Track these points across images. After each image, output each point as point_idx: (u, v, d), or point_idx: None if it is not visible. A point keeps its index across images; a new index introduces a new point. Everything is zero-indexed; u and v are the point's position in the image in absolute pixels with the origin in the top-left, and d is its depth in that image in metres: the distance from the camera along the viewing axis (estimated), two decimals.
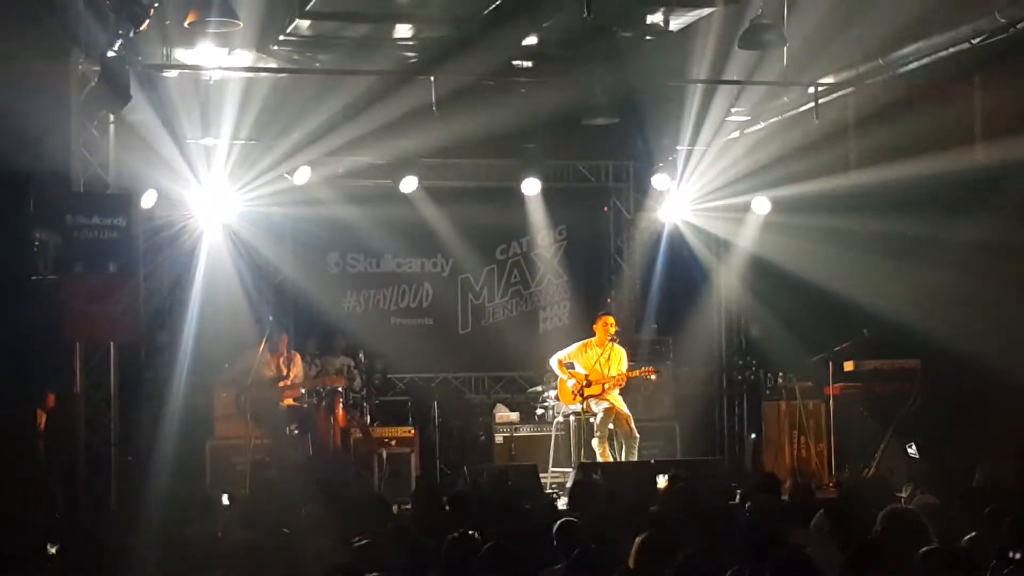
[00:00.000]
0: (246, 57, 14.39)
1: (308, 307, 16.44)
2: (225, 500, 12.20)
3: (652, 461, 13.72)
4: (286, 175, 15.36)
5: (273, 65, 14.66)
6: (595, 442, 13.99)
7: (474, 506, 9.67)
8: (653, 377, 14.68)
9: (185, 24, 12.58)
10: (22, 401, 12.05)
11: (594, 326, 14.52)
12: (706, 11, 13.60)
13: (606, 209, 17.80)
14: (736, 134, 16.34)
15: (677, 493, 9.75)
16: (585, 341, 14.54)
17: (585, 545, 7.17)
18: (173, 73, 13.75)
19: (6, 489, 10.96)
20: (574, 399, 14.26)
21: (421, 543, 7.59)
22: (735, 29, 13.08)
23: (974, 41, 12.42)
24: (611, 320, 14.45)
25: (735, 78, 14.48)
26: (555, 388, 14.90)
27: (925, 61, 13.17)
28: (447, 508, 9.59)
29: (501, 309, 17.52)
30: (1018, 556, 6.84)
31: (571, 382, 14.27)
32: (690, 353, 16.75)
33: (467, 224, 16.76)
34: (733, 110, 15.65)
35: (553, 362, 14.57)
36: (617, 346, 14.40)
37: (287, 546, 7.42)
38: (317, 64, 14.89)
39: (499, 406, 16.21)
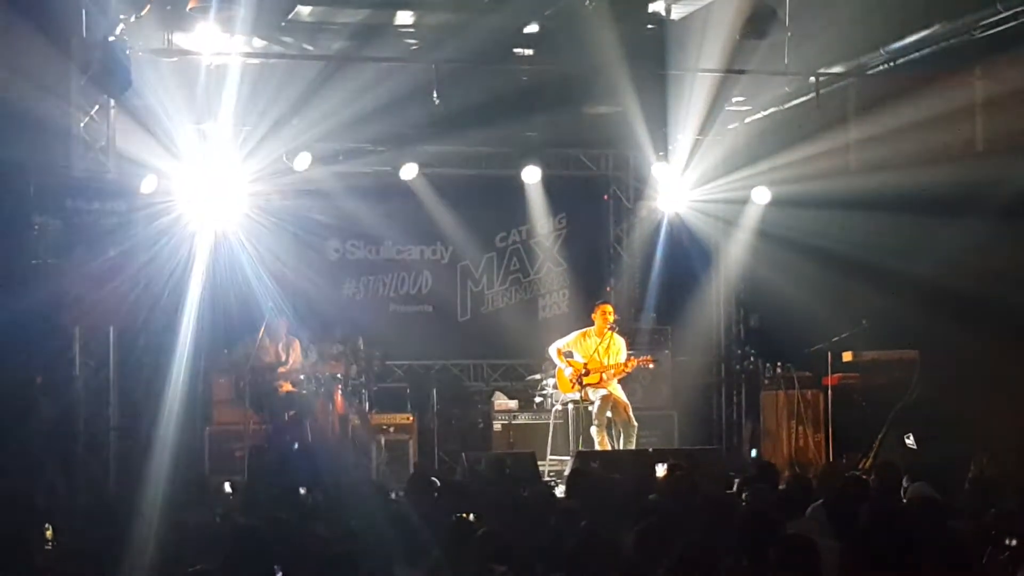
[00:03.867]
0: (247, 42, 14.37)
1: (307, 293, 16.43)
2: (228, 488, 12.21)
3: (650, 450, 13.73)
4: (286, 161, 15.35)
5: (274, 50, 14.64)
6: (593, 430, 14.01)
7: (471, 493, 9.68)
8: (651, 366, 14.71)
9: (187, 8, 12.58)
10: (21, 385, 12.09)
11: (592, 315, 14.54)
12: (707, 0, 13.60)
13: (606, 198, 17.78)
14: (736, 124, 16.33)
15: (675, 482, 9.77)
16: (584, 330, 14.55)
17: (583, 534, 7.18)
18: (173, 58, 13.72)
19: (4, 472, 11.00)
20: (572, 388, 14.27)
21: (418, 529, 7.60)
22: (736, 18, 13.06)
23: (975, 32, 12.42)
24: (609, 309, 14.47)
25: (736, 67, 14.46)
26: (554, 376, 14.91)
27: (926, 51, 13.17)
28: (443, 495, 9.60)
29: (500, 297, 17.51)
30: (1014, 543, 6.88)
31: (569, 371, 14.28)
32: (689, 342, 16.76)
33: (467, 211, 16.75)
34: (734, 99, 15.63)
35: (552, 351, 14.58)
36: (616, 335, 14.42)
37: (285, 532, 7.43)
38: (318, 50, 14.87)
39: (497, 394, 16.21)
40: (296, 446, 14.10)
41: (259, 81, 14.37)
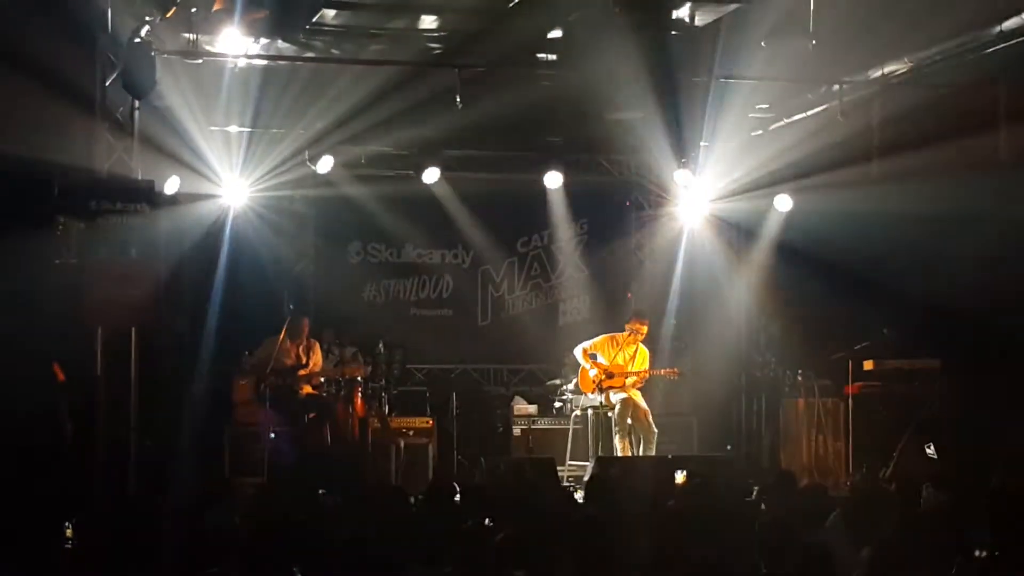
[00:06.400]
0: (271, 45, 14.41)
1: (328, 296, 16.47)
2: None
3: (670, 456, 13.71)
4: (309, 164, 15.39)
5: (297, 53, 14.68)
6: (616, 440, 14.05)
7: (490, 498, 9.68)
8: (676, 377, 14.77)
9: (212, 11, 12.61)
10: (44, 385, 12.14)
11: (627, 324, 14.57)
12: (731, 7, 13.58)
13: (628, 203, 17.79)
14: (760, 131, 16.30)
15: (694, 489, 9.76)
16: (612, 334, 14.62)
17: (601, 540, 7.17)
18: (198, 60, 13.77)
19: (25, 471, 11.05)
20: (593, 389, 14.30)
21: (436, 533, 7.60)
22: (760, 25, 13.04)
23: (1000, 42, 12.39)
24: (645, 329, 14.51)
25: (759, 74, 14.44)
26: (572, 381, 14.93)
27: (951, 61, 13.14)
28: (462, 499, 9.60)
29: (521, 302, 17.52)
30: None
31: (593, 372, 14.32)
32: (710, 349, 16.71)
33: (488, 216, 16.78)
34: (757, 107, 15.61)
35: (578, 351, 14.62)
36: (642, 345, 14.51)
37: (304, 534, 7.43)
38: (342, 54, 14.90)
39: (517, 398, 16.20)
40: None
41: (282, 84, 14.41)
